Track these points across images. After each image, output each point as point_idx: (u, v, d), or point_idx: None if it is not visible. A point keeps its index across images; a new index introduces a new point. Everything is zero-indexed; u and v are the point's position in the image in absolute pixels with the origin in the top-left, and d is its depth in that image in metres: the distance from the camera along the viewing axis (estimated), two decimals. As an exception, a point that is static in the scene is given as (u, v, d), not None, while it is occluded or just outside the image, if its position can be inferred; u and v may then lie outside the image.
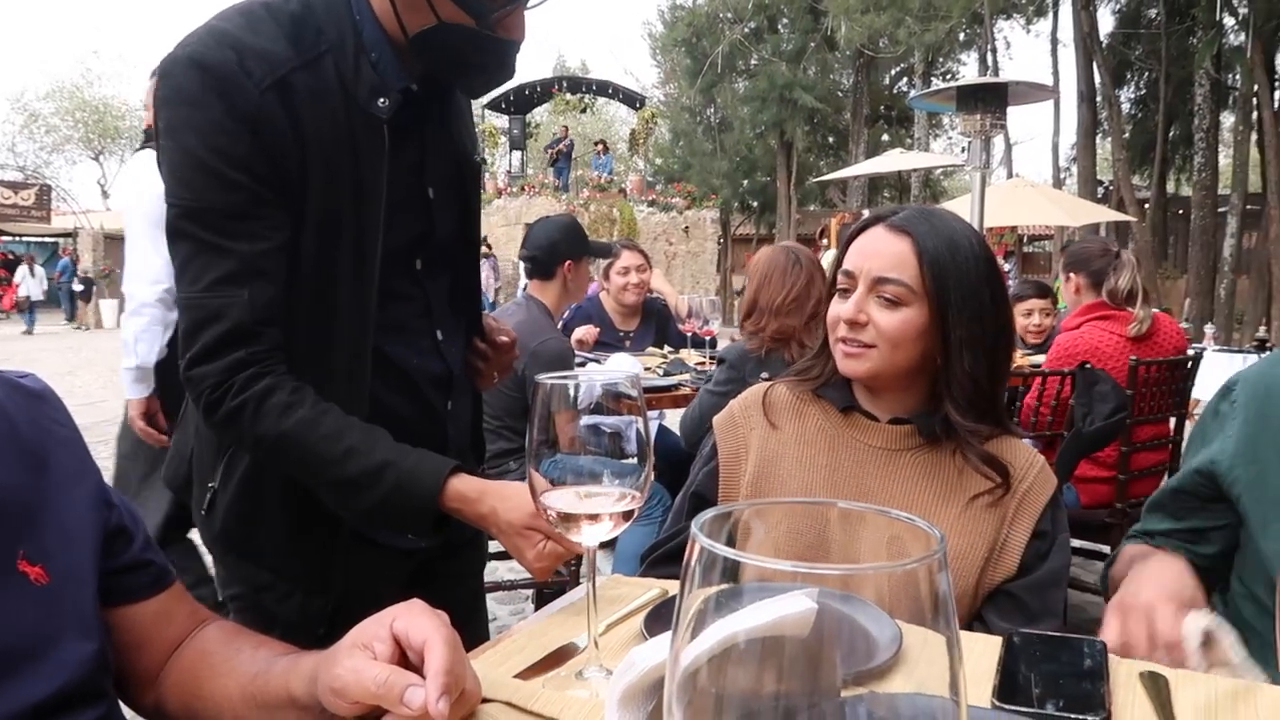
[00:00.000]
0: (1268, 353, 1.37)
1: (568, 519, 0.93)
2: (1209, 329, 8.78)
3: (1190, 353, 3.74)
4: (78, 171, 75.18)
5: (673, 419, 4.63)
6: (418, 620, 0.82)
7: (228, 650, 0.97)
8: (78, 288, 23.69)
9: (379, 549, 1.41)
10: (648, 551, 1.50)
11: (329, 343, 1.27)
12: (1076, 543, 3.08)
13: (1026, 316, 4.71)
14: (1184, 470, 1.36)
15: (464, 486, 1.21)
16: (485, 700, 0.88)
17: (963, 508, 1.33)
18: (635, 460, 0.94)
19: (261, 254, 1.19)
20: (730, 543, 0.42)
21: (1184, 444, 1.41)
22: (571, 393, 0.92)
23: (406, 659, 0.82)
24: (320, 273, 1.25)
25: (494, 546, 1.68)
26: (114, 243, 23.99)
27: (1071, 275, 3.61)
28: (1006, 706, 0.86)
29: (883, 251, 1.33)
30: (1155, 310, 3.55)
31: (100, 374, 13.06)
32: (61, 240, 27.01)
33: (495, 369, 1.58)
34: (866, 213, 1.47)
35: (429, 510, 1.21)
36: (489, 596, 3.32)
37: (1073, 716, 0.84)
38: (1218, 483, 1.28)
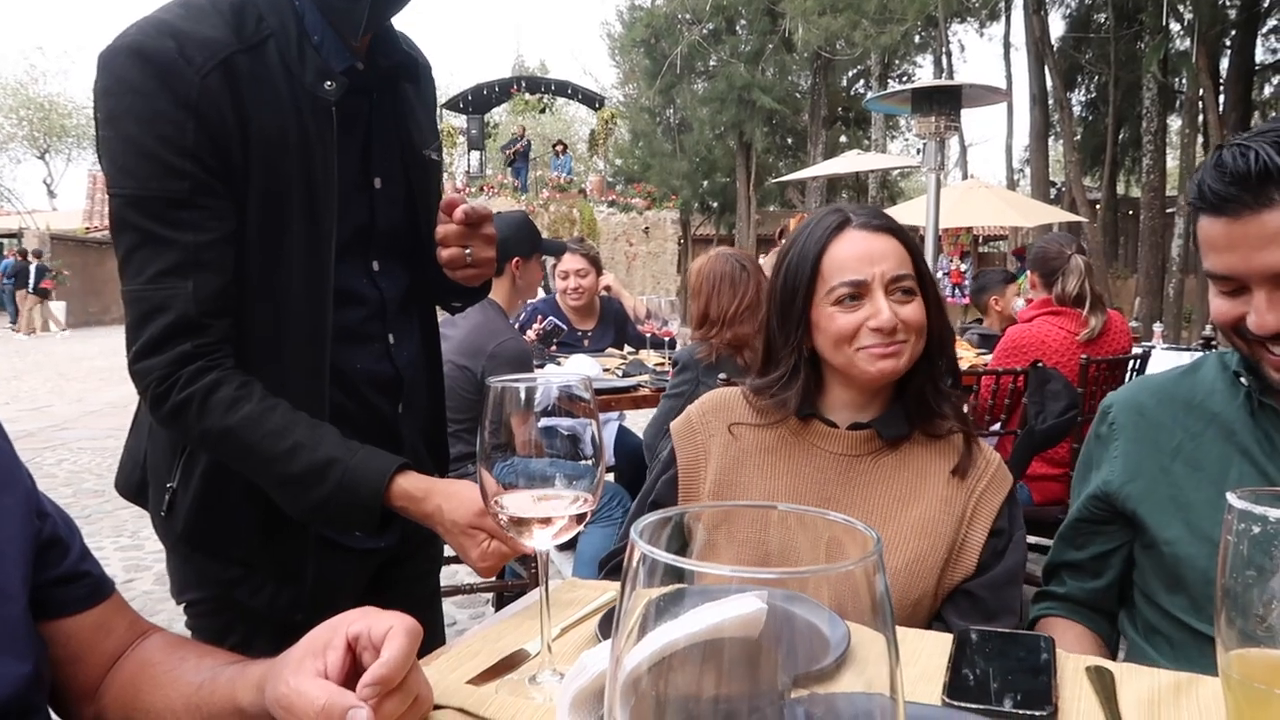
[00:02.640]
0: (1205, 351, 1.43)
1: (520, 523, 0.92)
2: (1158, 327, 8.95)
3: (1139, 351, 3.82)
4: (22, 170, 73.55)
5: (633, 420, 4.63)
6: (379, 619, 0.81)
7: (171, 660, 0.95)
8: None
9: (342, 549, 1.39)
10: (606, 558, 1.50)
11: (281, 337, 1.26)
12: (1030, 539, 3.12)
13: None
14: (1081, 499, 1.41)
15: (410, 485, 1.20)
16: (438, 707, 0.87)
17: (922, 510, 1.34)
18: (588, 463, 0.93)
19: (205, 245, 1.18)
20: (673, 546, 0.42)
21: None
22: (523, 395, 0.91)
23: (359, 666, 0.80)
24: (269, 262, 1.23)
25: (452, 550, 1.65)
26: (61, 243, 23.42)
27: (1030, 272, 3.75)
28: (956, 703, 0.87)
29: (885, 252, 1.34)
30: (1109, 309, 3.63)
31: (47, 378, 12.76)
32: (5, 241, 26.34)
33: (474, 249, 1.36)
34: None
35: (373, 509, 1.20)
36: (449, 600, 3.29)
37: (1020, 712, 0.85)
38: (1113, 503, 1.34)
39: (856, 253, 1.34)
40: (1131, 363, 3.66)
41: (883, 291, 1.32)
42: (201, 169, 1.17)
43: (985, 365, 3.70)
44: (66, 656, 0.93)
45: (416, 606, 1.56)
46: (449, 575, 3.81)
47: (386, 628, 0.79)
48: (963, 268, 17.93)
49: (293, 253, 1.24)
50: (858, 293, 1.33)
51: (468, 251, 1.35)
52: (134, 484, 1.41)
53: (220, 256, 1.20)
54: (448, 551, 1.53)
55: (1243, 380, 1.23)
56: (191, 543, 1.34)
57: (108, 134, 1.18)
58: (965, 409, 1.45)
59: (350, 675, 0.79)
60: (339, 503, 1.19)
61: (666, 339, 4.14)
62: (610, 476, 4.13)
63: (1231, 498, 0.66)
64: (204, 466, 1.29)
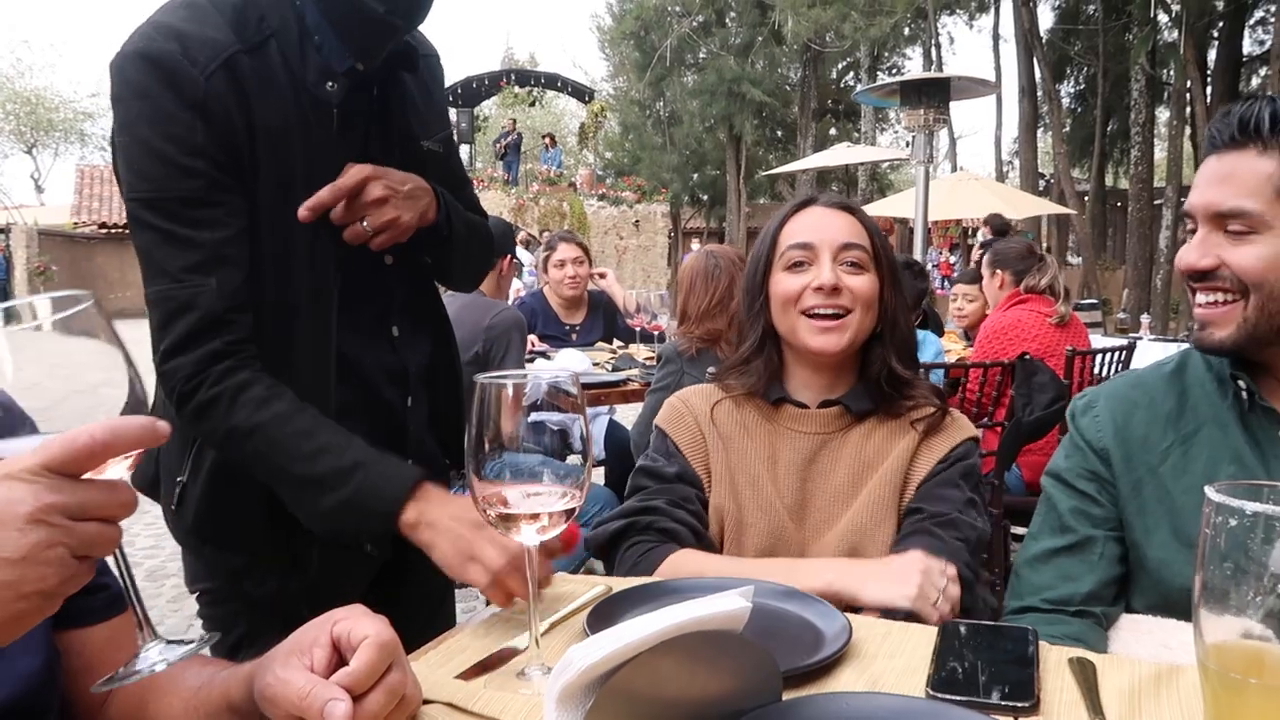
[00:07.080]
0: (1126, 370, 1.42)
1: (507, 519, 0.93)
2: (1145, 319, 9.00)
3: (1125, 342, 3.87)
4: (9, 165, 73.00)
5: (623, 414, 4.64)
6: (360, 623, 0.82)
7: (175, 669, 0.96)
8: None
9: (348, 547, 1.39)
10: (606, 538, 1.45)
11: (290, 335, 1.27)
12: (1017, 530, 3.14)
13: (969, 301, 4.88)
14: (1067, 492, 1.31)
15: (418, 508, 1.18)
16: (427, 701, 0.87)
17: (886, 465, 1.39)
18: (576, 458, 0.94)
19: (224, 241, 1.20)
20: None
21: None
22: (510, 391, 0.91)
23: (344, 663, 0.81)
24: (280, 253, 1.25)
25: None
26: (49, 239, 23.25)
27: (998, 271, 3.93)
28: (940, 695, 0.88)
29: (838, 225, 1.41)
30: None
31: (36, 374, 12.67)
32: (-6, 236, 26.13)
33: (369, 219, 1.29)
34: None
35: (390, 514, 1.18)
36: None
37: (1002, 703, 0.86)
38: (1109, 462, 1.28)
39: (810, 223, 1.43)
40: (1117, 354, 3.71)
41: (830, 257, 1.38)
42: (214, 167, 1.19)
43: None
44: (79, 667, 0.94)
45: (429, 601, 1.58)
46: (440, 570, 3.81)
47: (363, 636, 0.80)
48: (952, 260, 17.98)
49: (298, 250, 1.26)
50: (805, 258, 1.40)
51: (364, 224, 1.29)
52: (148, 477, 1.42)
53: (239, 251, 1.22)
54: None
55: (1240, 383, 1.20)
56: (200, 535, 1.36)
57: (123, 139, 1.20)
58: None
59: (335, 671, 0.80)
60: (355, 506, 1.18)
61: (656, 333, 4.14)
62: (600, 470, 4.13)
63: (1209, 491, 0.67)
64: (211, 462, 1.31)
